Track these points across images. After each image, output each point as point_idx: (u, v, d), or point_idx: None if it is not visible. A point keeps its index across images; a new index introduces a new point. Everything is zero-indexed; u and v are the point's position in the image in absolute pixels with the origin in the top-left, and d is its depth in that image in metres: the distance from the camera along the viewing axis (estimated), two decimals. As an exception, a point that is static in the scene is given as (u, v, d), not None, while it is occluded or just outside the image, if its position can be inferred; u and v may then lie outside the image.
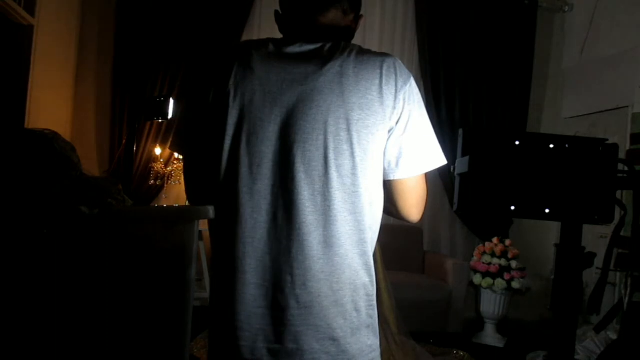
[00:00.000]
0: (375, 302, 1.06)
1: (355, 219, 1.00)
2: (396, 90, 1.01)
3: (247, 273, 0.99)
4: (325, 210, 0.98)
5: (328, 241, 0.98)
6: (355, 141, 0.98)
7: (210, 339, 1.08)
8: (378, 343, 1.06)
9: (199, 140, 1.07)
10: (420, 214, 1.13)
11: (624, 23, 3.87)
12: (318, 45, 1.03)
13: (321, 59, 1.01)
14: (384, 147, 1.03)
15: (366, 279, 1.03)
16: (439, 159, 1.07)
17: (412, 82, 1.05)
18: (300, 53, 1.03)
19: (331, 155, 0.98)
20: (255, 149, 0.99)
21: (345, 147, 0.98)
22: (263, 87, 1.00)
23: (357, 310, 1.01)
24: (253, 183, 0.99)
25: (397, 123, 1.03)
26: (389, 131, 1.03)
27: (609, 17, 4.07)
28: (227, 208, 1.01)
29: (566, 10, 4.63)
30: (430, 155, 1.06)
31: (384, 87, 1.01)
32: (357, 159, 0.99)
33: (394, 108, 1.01)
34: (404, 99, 1.02)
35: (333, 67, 1.00)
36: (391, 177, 1.05)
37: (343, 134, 0.98)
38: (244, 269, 0.99)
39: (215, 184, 1.04)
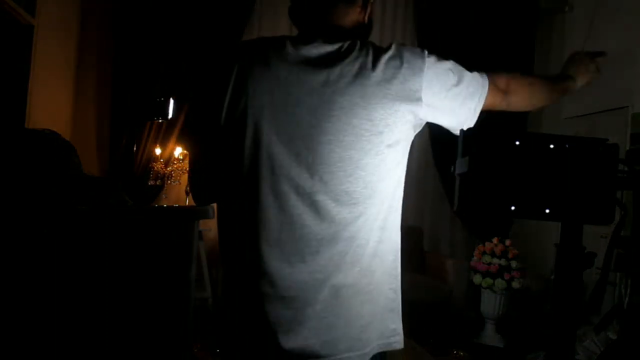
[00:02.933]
0: (399, 287, 1.08)
1: (378, 217, 1.02)
2: (416, 83, 1.02)
3: (269, 272, 0.99)
4: (351, 209, 0.99)
5: (352, 236, 0.99)
6: (378, 140, 0.99)
7: (223, 336, 1.08)
8: (401, 327, 1.07)
9: (214, 139, 1.06)
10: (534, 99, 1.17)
11: (624, 23, 3.87)
12: (336, 46, 1.03)
13: (340, 60, 1.01)
14: (407, 143, 1.05)
15: (386, 277, 1.05)
16: (482, 90, 1.08)
17: (428, 62, 1.04)
18: (320, 54, 1.03)
19: (356, 156, 0.98)
20: (276, 150, 0.99)
21: (369, 146, 0.99)
22: (283, 89, 1.00)
23: (373, 313, 1.02)
24: (275, 184, 0.99)
25: (425, 112, 1.04)
26: (419, 123, 1.05)
27: (609, 18, 4.06)
28: (248, 208, 1.01)
29: (566, 10, 4.62)
30: (471, 108, 1.08)
31: (402, 84, 1.01)
32: (381, 157, 1.00)
33: (420, 100, 1.02)
34: (427, 87, 1.03)
35: (352, 68, 1.00)
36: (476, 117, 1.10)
37: (366, 134, 0.99)
38: (266, 268, 0.99)
39: (233, 185, 1.03)
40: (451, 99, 1.05)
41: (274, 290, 0.99)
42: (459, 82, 1.06)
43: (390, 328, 1.05)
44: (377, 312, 1.03)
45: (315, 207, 0.98)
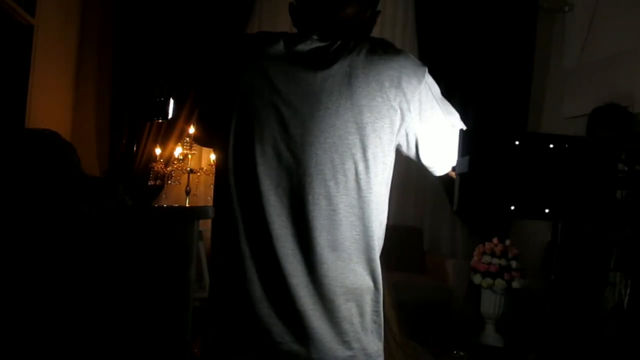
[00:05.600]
0: (381, 308, 1.05)
1: (363, 224, 0.99)
2: (408, 92, 1.00)
3: (253, 272, 0.99)
4: (330, 214, 0.97)
5: (332, 245, 0.97)
6: (362, 145, 0.97)
7: (210, 337, 1.07)
8: (382, 348, 1.06)
9: (217, 134, 1.06)
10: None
11: (624, 23, 3.87)
12: (328, 43, 1.01)
13: (330, 59, 0.99)
14: (392, 150, 1.03)
15: (371, 284, 1.02)
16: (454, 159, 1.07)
17: (427, 79, 1.02)
18: (310, 51, 1.00)
19: (337, 159, 0.96)
20: (258, 149, 0.98)
21: (353, 150, 0.97)
22: (271, 86, 0.98)
23: (361, 315, 1.01)
24: (256, 183, 0.98)
25: (411, 124, 1.02)
26: (403, 133, 1.03)
27: (609, 17, 4.06)
28: (230, 205, 1.00)
29: (566, 10, 4.62)
30: (449, 154, 1.06)
31: (395, 89, 0.98)
32: (364, 163, 0.97)
33: (409, 110, 1.00)
34: (419, 101, 1.01)
35: (342, 68, 0.97)
36: (434, 174, 1.13)
37: (351, 137, 0.96)
38: (250, 269, 0.99)
39: (219, 179, 1.03)
40: (439, 113, 1.06)
41: (255, 288, 0.99)
42: (449, 110, 1.09)
43: (373, 349, 1.05)
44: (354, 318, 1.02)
45: (294, 210, 0.97)
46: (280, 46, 1.01)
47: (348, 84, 0.97)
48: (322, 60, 0.99)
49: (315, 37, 1.02)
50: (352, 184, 0.97)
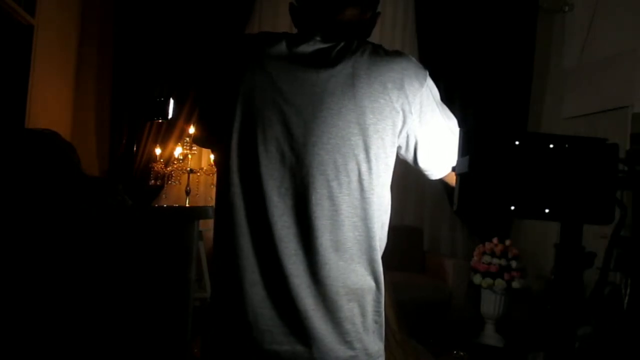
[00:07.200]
0: (382, 308, 1.05)
1: (365, 224, 0.99)
2: (410, 94, 1.00)
3: (255, 272, 0.98)
4: (332, 215, 0.97)
5: (334, 246, 0.97)
6: (365, 146, 0.97)
7: (210, 338, 1.07)
8: (383, 348, 1.06)
9: (218, 134, 1.06)
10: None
11: (624, 23, 3.87)
12: (331, 44, 1.01)
13: (333, 59, 0.99)
14: (394, 152, 1.03)
15: (372, 284, 1.02)
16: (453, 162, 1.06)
17: (428, 82, 1.03)
18: (313, 52, 1.00)
19: (340, 160, 0.96)
20: (261, 149, 0.98)
21: (356, 151, 0.97)
22: (273, 86, 0.98)
23: (363, 315, 1.01)
24: (260, 183, 0.98)
25: (411, 126, 1.02)
26: (404, 135, 1.03)
27: (609, 18, 4.06)
28: (232, 205, 1.00)
29: (566, 10, 4.62)
30: (446, 158, 1.07)
31: (398, 91, 0.99)
32: (367, 164, 0.98)
33: (410, 112, 1.01)
34: (420, 103, 1.01)
35: (345, 69, 0.97)
36: (431, 178, 1.15)
37: (353, 138, 0.96)
38: (252, 269, 0.98)
39: (221, 180, 1.03)
40: (438, 117, 1.06)
41: (256, 289, 0.98)
42: (448, 114, 1.08)
43: (374, 349, 1.05)
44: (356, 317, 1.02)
45: (297, 211, 0.97)
46: (282, 46, 1.01)
47: (351, 84, 0.97)
48: (325, 61, 0.99)
49: (318, 38, 1.02)
50: (354, 184, 0.97)
